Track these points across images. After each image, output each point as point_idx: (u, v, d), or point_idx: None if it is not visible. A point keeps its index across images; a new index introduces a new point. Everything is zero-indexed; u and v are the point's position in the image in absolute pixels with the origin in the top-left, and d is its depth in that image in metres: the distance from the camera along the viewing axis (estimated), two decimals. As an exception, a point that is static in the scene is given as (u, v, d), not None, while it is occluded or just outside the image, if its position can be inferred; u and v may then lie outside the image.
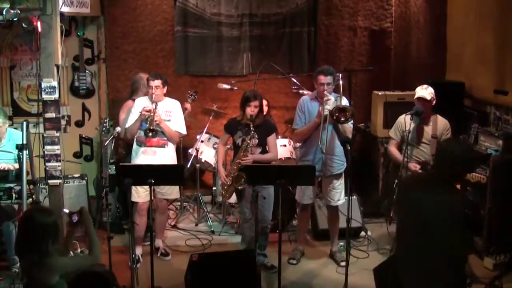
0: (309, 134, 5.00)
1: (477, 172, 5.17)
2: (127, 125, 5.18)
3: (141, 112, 4.98)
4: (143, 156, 5.06)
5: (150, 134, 4.88)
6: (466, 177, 2.96)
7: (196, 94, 6.24)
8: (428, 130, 4.83)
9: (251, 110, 4.83)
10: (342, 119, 4.73)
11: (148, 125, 4.89)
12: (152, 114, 4.90)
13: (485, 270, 5.04)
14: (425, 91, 4.77)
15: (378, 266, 4.22)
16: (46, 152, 4.56)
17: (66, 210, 5.23)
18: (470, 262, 5.09)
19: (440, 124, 4.84)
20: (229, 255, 4.59)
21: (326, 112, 4.75)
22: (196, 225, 6.12)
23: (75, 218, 3.44)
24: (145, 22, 6.70)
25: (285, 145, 5.95)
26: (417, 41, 7.08)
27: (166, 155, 5.10)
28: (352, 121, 4.93)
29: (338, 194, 5.16)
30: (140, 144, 5.09)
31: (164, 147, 5.10)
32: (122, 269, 4.82)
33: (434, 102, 4.81)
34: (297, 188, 5.29)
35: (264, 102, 5.88)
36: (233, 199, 5.59)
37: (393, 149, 4.96)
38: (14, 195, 4.66)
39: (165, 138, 5.08)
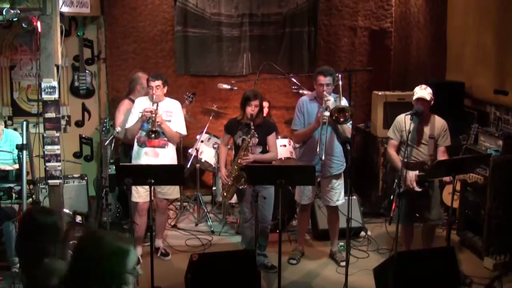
0: (307, 137, 5.01)
1: (475, 172, 5.18)
2: (127, 126, 5.18)
3: (142, 113, 4.97)
4: (145, 157, 5.06)
5: (153, 135, 4.87)
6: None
7: (194, 96, 6.25)
8: (426, 130, 4.82)
9: (251, 109, 4.83)
10: (342, 119, 4.72)
11: (150, 127, 4.88)
12: (153, 115, 4.89)
13: (485, 270, 5.04)
14: (424, 91, 4.77)
15: (378, 266, 4.23)
16: (46, 152, 4.56)
17: (66, 211, 5.23)
18: (461, 261, 5.09)
19: (438, 124, 4.83)
20: (229, 255, 4.58)
21: (325, 119, 4.74)
22: (196, 225, 6.12)
23: (79, 219, 3.39)
24: (145, 22, 6.70)
25: (285, 145, 5.95)
26: (417, 41, 7.08)
27: (166, 155, 5.10)
28: (351, 122, 4.93)
29: (337, 194, 5.16)
30: (141, 145, 5.09)
31: (164, 147, 5.10)
32: (122, 269, 4.82)
33: (432, 102, 4.80)
34: (296, 188, 5.30)
35: (266, 104, 5.89)
36: (233, 199, 5.59)
37: (392, 152, 4.94)
38: (14, 195, 4.65)
39: (166, 139, 5.08)
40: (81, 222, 3.42)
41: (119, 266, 2.26)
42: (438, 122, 4.85)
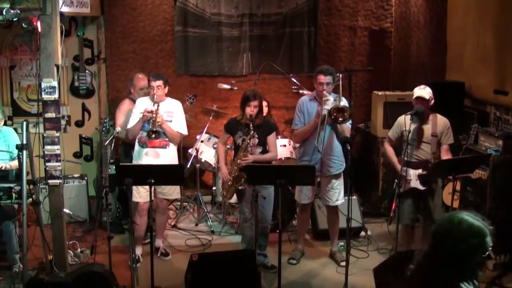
0: (309, 134, 5.00)
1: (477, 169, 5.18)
2: (128, 126, 5.18)
3: (143, 113, 4.97)
4: (146, 158, 5.06)
5: (153, 135, 4.87)
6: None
7: (195, 97, 6.25)
8: (427, 129, 4.83)
9: (250, 110, 4.83)
10: (340, 119, 4.73)
11: (150, 127, 4.88)
12: (154, 115, 4.90)
13: (485, 270, 5.04)
14: (423, 91, 4.78)
15: (378, 266, 4.22)
16: (46, 152, 4.56)
17: (66, 211, 5.23)
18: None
19: (440, 122, 4.85)
20: (229, 255, 4.58)
21: (325, 112, 4.75)
22: (196, 225, 6.12)
23: None
24: (145, 22, 6.70)
25: (285, 145, 5.95)
26: (417, 41, 7.08)
27: (168, 156, 5.10)
28: (350, 121, 4.94)
29: (337, 194, 5.16)
30: (142, 145, 5.09)
31: (165, 147, 5.10)
32: (122, 269, 4.83)
33: (432, 101, 4.81)
34: (296, 188, 5.30)
35: (264, 103, 5.89)
36: (233, 199, 5.59)
37: (387, 147, 5.00)
38: (14, 195, 4.65)
39: (167, 139, 5.08)
40: None
41: (477, 249, 2.19)
42: (441, 121, 4.86)
